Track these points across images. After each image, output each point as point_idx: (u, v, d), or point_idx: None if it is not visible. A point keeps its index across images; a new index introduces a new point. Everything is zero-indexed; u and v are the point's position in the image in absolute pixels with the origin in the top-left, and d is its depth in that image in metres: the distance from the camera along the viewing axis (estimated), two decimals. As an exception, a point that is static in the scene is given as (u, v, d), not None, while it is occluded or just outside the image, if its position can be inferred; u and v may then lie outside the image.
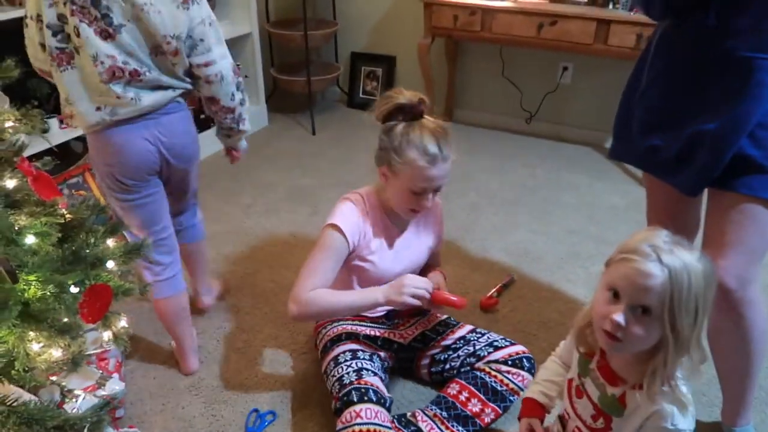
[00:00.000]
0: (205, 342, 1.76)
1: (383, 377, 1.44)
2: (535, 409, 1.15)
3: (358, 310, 1.45)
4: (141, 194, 1.43)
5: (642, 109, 1.31)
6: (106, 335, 1.28)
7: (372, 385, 1.35)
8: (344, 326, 1.51)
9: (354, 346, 1.46)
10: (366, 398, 1.31)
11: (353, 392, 1.32)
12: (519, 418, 1.20)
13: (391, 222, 1.48)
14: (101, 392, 1.42)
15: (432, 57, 3.03)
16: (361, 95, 3.54)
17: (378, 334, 1.52)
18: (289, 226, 2.37)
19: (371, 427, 1.27)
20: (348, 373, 1.38)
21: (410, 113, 1.33)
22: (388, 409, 1.34)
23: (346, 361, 1.42)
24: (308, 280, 1.38)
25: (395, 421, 1.40)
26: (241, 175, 2.78)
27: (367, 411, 1.29)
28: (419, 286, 1.34)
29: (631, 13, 2.45)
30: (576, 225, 2.39)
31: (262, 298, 1.95)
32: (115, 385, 1.44)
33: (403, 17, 3.27)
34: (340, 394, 1.34)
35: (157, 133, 1.39)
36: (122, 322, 1.30)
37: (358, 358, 1.42)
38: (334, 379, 1.39)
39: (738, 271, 1.20)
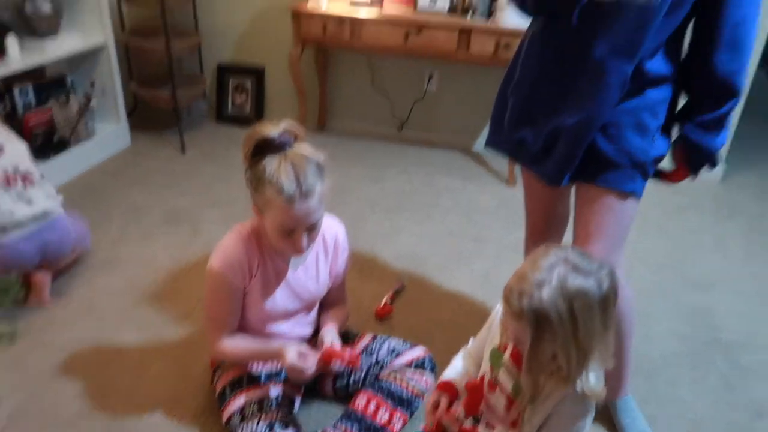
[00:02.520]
0: (86, 385, 1.60)
1: (296, 422, 1.42)
2: (449, 388, 1.20)
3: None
4: None
5: (513, 103, 1.41)
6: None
7: None
8: (243, 366, 1.47)
9: (258, 393, 1.40)
10: None
11: None
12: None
13: (281, 258, 1.39)
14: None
15: (303, 67, 3.02)
16: (230, 109, 3.43)
17: (280, 365, 1.46)
18: (169, 250, 2.23)
19: None
20: None
21: (277, 146, 1.23)
22: None
23: (253, 415, 1.35)
24: (213, 330, 1.41)
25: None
26: (107, 200, 2.57)
27: None
28: (295, 368, 1.35)
29: (488, 22, 2.63)
30: (455, 227, 2.51)
31: (149, 332, 1.82)
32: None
33: (270, 27, 3.22)
34: None
35: None
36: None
37: (265, 410, 1.36)
38: None
39: (602, 258, 1.34)
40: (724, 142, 1.34)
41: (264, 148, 1.23)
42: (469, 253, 2.32)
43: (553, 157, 1.35)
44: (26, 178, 1.89)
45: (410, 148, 3.26)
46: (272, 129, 1.24)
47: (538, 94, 1.35)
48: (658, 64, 1.27)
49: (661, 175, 1.45)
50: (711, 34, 1.23)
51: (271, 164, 1.23)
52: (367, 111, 3.34)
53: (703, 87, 1.29)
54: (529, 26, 1.39)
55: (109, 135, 3.00)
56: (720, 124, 1.30)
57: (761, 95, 4.15)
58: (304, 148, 1.27)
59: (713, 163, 1.36)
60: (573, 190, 1.47)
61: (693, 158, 1.36)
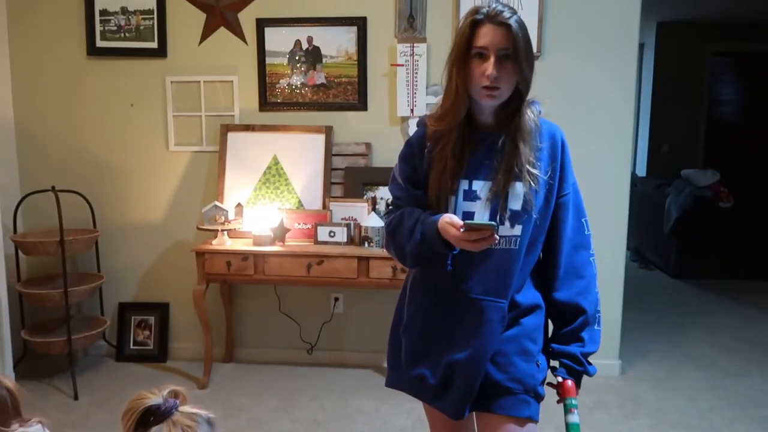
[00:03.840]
0: None
1: None
2: None
3: None
4: None
5: (406, 342, 1.47)
6: None
7: None
8: None
9: None
10: None
11: None
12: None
13: None
14: None
15: (208, 300, 3.04)
16: (131, 346, 3.31)
17: None
18: None
19: None
20: None
21: (163, 413, 1.16)
22: None
23: None
24: None
25: None
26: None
27: None
28: None
29: (384, 250, 2.84)
30: (371, 456, 2.42)
31: None
32: None
33: (174, 265, 3.29)
34: None
35: None
36: None
37: None
38: None
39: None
40: (591, 351, 1.43)
41: (147, 419, 1.16)
42: (388, 486, 2.21)
43: (453, 392, 1.39)
44: None
45: (321, 371, 3.22)
46: (154, 397, 1.18)
47: (427, 333, 1.44)
48: (527, 296, 1.42)
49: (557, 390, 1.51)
50: (552, 264, 1.43)
51: None
52: (276, 337, 3.34)
53: (555, 308, 1.44)
54: (410, 269, 1.53)
55: (-9, 391, 2.76)
56: (577, 336, 1.42)
57: (638, 286, 4.61)
58: (190, 409, 1.23)
59: (586, 372, 1.43)
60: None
61: (565, 369, 1.44)
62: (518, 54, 1.28)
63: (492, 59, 1.28)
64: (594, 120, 3.04)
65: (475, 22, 1.30)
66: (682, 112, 6.50)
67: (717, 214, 5.10)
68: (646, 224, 5.41)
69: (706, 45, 6.41)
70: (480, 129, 1.39)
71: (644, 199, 5.46)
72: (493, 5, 1.30)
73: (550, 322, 1.50)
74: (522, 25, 1.30)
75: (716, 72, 6.51)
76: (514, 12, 1.30)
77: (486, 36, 1.28)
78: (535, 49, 2.88)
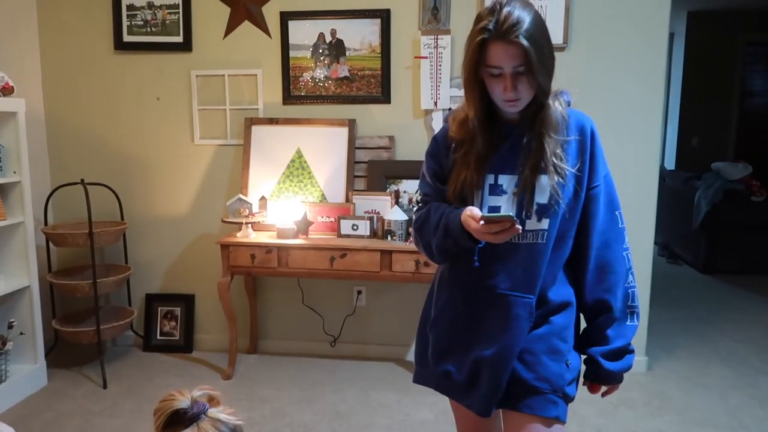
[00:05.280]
0: None
1: None
2: None
3: None
4: None
5: (433, 338, 1.47)
6: None
7: None
8: None
9: None
10: None
11: None
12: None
13: None
14: None
15: (232, 293, 3.07)
16: (158, 337, 3.37)
17: None
18: None
19: None
20: None
21: (190, 418, 1.16)
22: None
23: None
24: None
25: None
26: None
27: None
28: None
29: (407, 243, 2.83)
30: (393, 448, 2.42)
31: None
32: None
33: (199, 258, 3.33)
34: None
35: None
36: None
37: None
38: None
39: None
40: (617, 347, 1.38)
41: (176, 420, 1.16)
42: (410, 479, 2.21)
43: (480, 389, 1.38)
44: None
45: (344, 363, 3.24)
46: (183, 399, 1.18)
47: (454, 329, 1.42)
48: (558, 292, 1.39)
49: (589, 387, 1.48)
50: (583, 258, 1.40)
51: None
52: (299, 329, 3.36)
53: (584, 304, 1.42)
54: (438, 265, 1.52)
55: (24, 377, 2.83)
56: (599, 336, 1.39)
57: (665, 281, 4.53)
58: (219, 414, 1.22)
59: (605, 373, 1.39)
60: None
61: (587, 372, 1.41)
62: (532, 68, 1.24)
63: (508, 78, 1.26)
64: (622, 111, 2.99)
65: (484, 41, 1.25)
66: (712, 103, 6.35)
67: (748, 208, 4.98)
68: (675, 218, 5.30)
69: (738, 34, 6.24)
70: (504, 123, 1.38)
71: (673, 192, 5.35)
72: (502, 13, 1.22)
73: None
74: (532, 37, 1.22)
75: (749, 62, 6.35)
76: (525, 19, 1.22)
77: (497, 56, 1.24)
78: (561, 40, 2.90)
